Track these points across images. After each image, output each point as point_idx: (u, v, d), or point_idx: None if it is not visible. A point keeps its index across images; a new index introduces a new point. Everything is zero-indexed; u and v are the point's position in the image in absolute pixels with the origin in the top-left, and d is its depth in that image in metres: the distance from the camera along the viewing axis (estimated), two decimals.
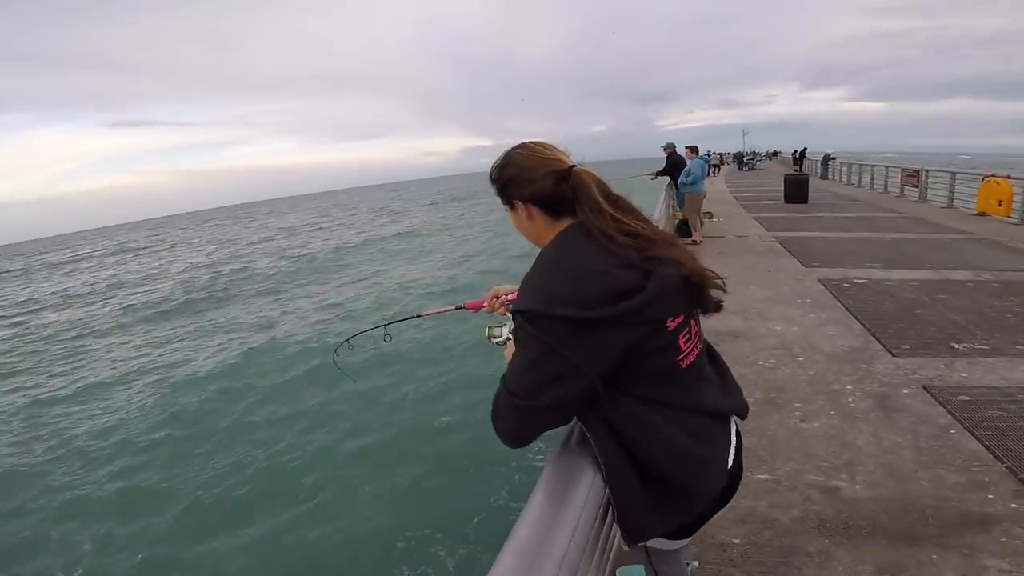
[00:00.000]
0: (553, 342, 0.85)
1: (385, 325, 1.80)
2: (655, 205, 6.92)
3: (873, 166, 17.22)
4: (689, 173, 8.07)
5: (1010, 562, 1.79)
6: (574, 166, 1.04)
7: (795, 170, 28.88)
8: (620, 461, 0.93)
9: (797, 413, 2.88)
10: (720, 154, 34.23)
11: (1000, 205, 9.46)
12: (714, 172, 30.76)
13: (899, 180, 14.13)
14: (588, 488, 0.89)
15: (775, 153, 53.19)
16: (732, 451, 1.07)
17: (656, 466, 0.93)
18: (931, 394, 3.05)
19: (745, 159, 39.55)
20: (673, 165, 8.66)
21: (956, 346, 3.81)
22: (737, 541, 1.98)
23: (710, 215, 10.23)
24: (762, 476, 2.37)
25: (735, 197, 15.51)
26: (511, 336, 1.25)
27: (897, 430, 2.67)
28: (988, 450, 2.48)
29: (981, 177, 10.18)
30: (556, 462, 0.96)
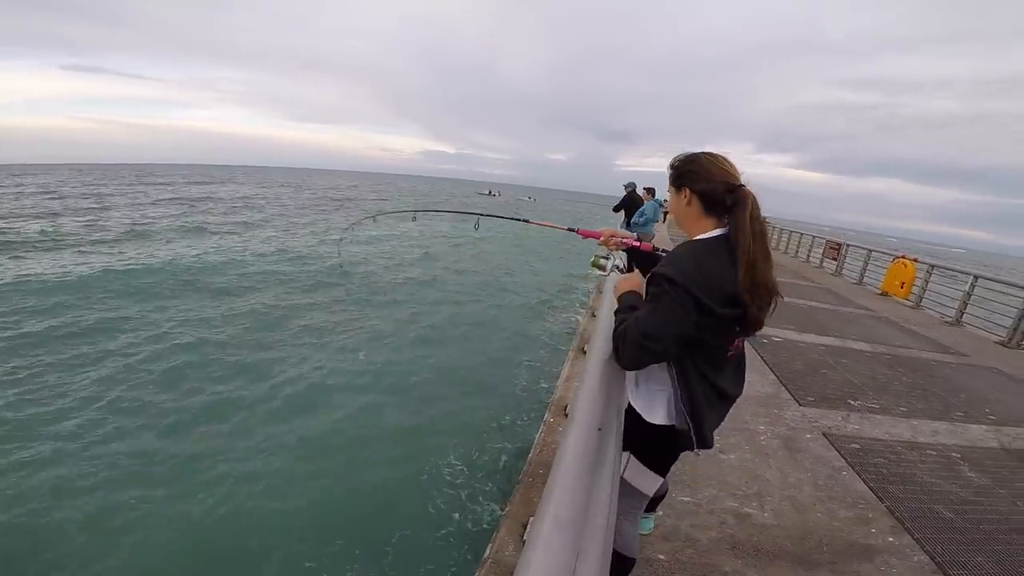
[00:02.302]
0: (688, 307, 1.32)
1: (505, 217, 2.77)
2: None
3: (801, 234, 19.11)
4: (643, 213, 8.77)
5: None
6: (743, 185, 1.42)
7: None
8: (687, 388, 1.46)
9: (716, 445, 3.31)
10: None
11: (902, 287, 10.87)
12: (663, 218, 32.83)
13: (822, 252, 15.80)
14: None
15: None
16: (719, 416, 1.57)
17: (699, 400, 1.46)
18: (829, 440, 3.61)
19: None
20: (630, 202, 9.38)
21: (852, 403, 4.49)
22: (662, 557, 2.30)
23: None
24: (685, 498, 2.73)
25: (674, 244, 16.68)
26: (617, 268, 2.01)
27: (800, 468, 3.16)
28: (872, 491, 3.01)
29: (892, 257, 11.61)
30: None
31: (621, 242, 1.98)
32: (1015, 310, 8.02)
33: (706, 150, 1.49)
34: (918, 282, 10.65)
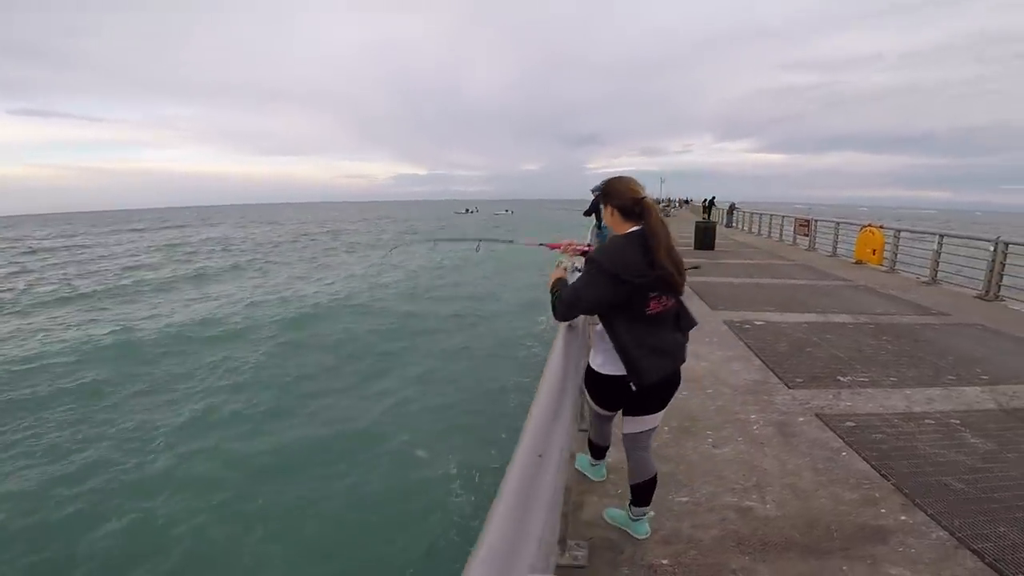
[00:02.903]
0: (601, 277, 1.88)
1: (479, 241, 3.62)
2: (582, 241, 7.46)
3: (771, 216, 19.38)
4: None
5: (911, 569, 2.10)
6: (644, 198, 1.99)
7: (704, 218, 31.73)
8: (616, 340, 1.98)
9: (709, 440, 3.19)
10: None
11: (874, 254, 11.03)
12: None
13: (792, 230, 16.01)
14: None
15: (687, 201, 57.94)
16: (663, 367, 2.01)
17: (628, 346, 1.95)
18: (823, 421, 3.50)
19: (661, 206, 42.53)
20: (598, 207, 9.32)
21: (841, 379, 4.41)
22: (665, 562, 2.15)
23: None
24: (682, 499, 2.59)
25: None
26: (576, 269, 2.36)
27: (797, 453, 3.04)
28: (875, 469, 2.89)
29: (860, 227, 11.80)
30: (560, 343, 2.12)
31: (576, 249, 2.66)
32: (986, 263, 8.15)
33: (620, 175, 2.13)
34: (888, 247, 10.83)
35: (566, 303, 1.99)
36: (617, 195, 2.02)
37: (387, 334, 12.93)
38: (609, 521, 2.40)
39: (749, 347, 5.23)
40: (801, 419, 3.53)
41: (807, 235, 14.95)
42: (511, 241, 3.77)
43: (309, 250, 36.17)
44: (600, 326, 2.07)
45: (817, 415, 3.60)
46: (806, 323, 6.24)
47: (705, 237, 14.34)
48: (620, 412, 2.21)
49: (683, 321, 2.09)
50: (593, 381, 2.19)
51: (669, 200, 54.97)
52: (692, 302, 7.21)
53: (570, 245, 2.69)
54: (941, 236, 9.41)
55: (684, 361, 2.11)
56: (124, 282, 22.60)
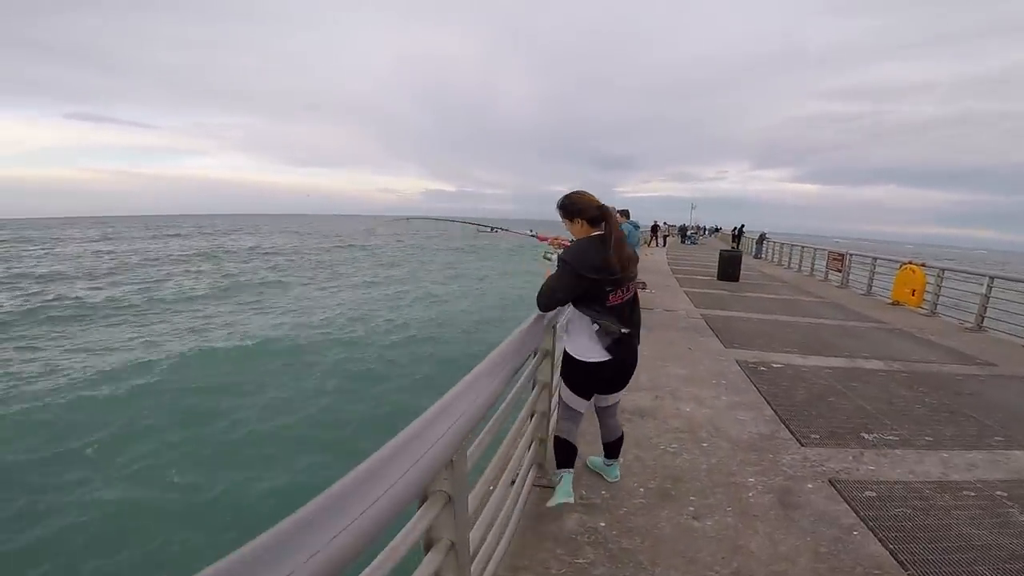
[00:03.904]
0: (571, 274, 2.29)
1: (477, 224, 5.09)
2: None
3: (803, 247, 18.59)
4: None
5: None
6: (603, 206, 2.43)
7: (732, 246, 30.86)
8: (575, 327, 2.50)
9: (691, 508, 2.71)
10: (663, 225, 35.89)
11: (913, 294, 10.29)
12: (661, 242, 32.32)
13: (825, 264, 15.25)
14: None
15: (717, 229, 56.71)
16: (606, 356, 2.44)
17: (579, 329, 2.47)
18: (837, 489, 2.99)
19: (688, 233, 41.71)
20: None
21: (866, 436, 3.86)
22: None
23: (643, 285, 10.48)
24: None
25: (672, 269, 16.18)
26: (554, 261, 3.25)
27: (796, 531, 2.54)
28: (892, 555, 2.39)
29: (899, 264, 11.08)
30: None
31: (562, 243, 3.25)
32: None
33: (577, 190, 2.50)
34: (930, 287, 10.10)
35: (545, 295, 2.36)
36: (586, 209, 2.42)
37: None
38: (590, 467, 3.09)
39: (761, 393, 4.71)
40: (810, 485, 3.02)
41: (840, 270, 14.20)
42: (498, 229, 4.20)
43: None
44: (576, 311, 2.46)
45: (831, 481, 3.09)
46: (831, 368, 5.66)
47: (729, 267, 13.66)
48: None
49: (635, 314, 2.55)
50: (572, 368, 2.53)
51: (698, 227, 53.89)
52: (703, 338, 6.69)
53: (556, 240, 3.43)
54: (991, 278, 8.69)
55: (638, 342, 2.58)
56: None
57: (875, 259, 12.51)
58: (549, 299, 2.35)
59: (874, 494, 2.96)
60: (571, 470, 2.66)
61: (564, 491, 2.60)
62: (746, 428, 3.89)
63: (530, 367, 2.56)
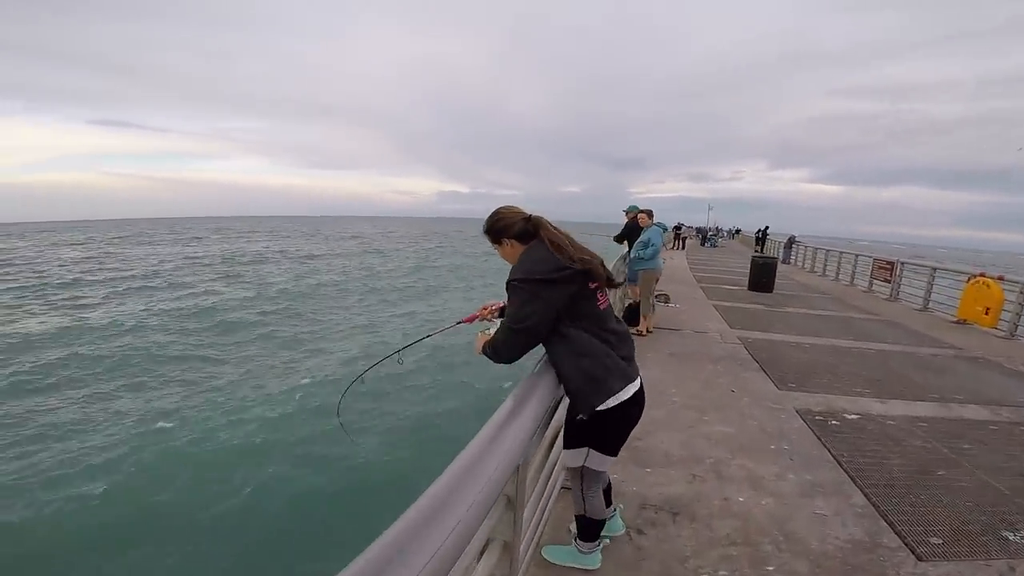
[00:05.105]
0: (533, 289, 1.78)
1: (399, 350, 2.51)
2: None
3: (841, 253, 17.02)
4: (648, 244, 6.73)
5: None
6: (530, 215, 1.96)
7: (756, 250, 29.21)
8: (568, 360, 1.84)
9: None
10: (681, 227, 34.41)
11: (987, 313, 8.84)
12: (680, 245, 30.75)
13: (869, 272, 13.76)
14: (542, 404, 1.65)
15: (737, 231, 54.93)
16: (637, 383, 1.95)
17: (588, 364, 1.83)
18: None
19: (708, 235, 40.38)
20: (631, 232, 7.45)
21: (1009, 536, 2.63)
22: None
23: (666, 298, 9.10)
24: None
25: (695, 277, 14.68)
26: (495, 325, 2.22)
27: None
28: None
29: (967, 277, 9.62)
30: (519, 386, 1.70)
31: (493, 309, 2.35)
32: None
33: (497, 208, 2.01)
34: (1009, 306, 8.64)
35: (506, 334, 1.82)
36: (509, 224, 1.96)
37: None
38: (552, 561, 2.26)
39: (841, 465, 3.40)
40: None
41: (889, 281, 12.70)
42: (427, 336, 2.73)
43: None
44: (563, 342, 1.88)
45: None
46: (923, 420, 4.32)
47: (762, 275, 12.18)
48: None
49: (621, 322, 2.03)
50: (601, 422, 1.91)
51: (717, 229, 52.30)
52: (747, 373, 5.35)
53: (485, 309, 2.39)
54: None
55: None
56: None
57: (934, 269, 11.02)
58: (514, 334, 1.80)
59: None
60: (604, 542, 2.32)
61: (594, 559, 2.25)
62: (831, 532, 2.63)
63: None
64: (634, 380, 1.93)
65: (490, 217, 2.02)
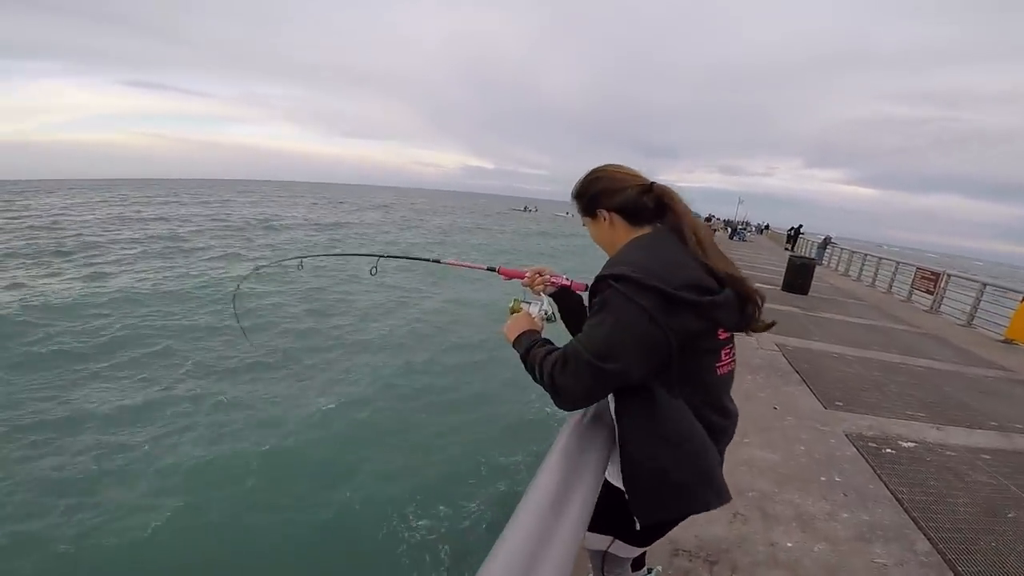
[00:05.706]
0: (643, 307, 1.04)
1: (409, 258, 2.25)
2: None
3: (880, 259, 16.35)
4: None
5: None
6: (654, 182, 1.27)
7: (786, 248, 28.42)
8: (647, 443, 1.14)
9: None
10: (712, 218, 33.77)
11: None
12: None
13: (910, 281, 13.16)
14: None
15: (766, 227, 53.89)
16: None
17: (676, 459, 1.14)
18: None
19: (738, 228, 39.76)
20: None
21: None
22: None
23: None
24: None
25: None
26: (544, 316, 1.49)
27: None
28: None
29: (1023, 297, 9.07)
30: (569, 437, 1.17)
31: (549, 281, 1.56)
32: None
33: (604, 164, 1.34)
34: None
35: (577, 366, 1.09)
36: (613, 188, 1.26)
37: None
38: None
39: (901, 502, 3.08)
40: None
41: (932, 292, 12.11)
42: (436, 260, 2.04)
43: None
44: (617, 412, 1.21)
45: None
46: (986, 451, 3.96)
47: (799, 277, 11.65)
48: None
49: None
50: (652, 526, 1.30)
51: (746, 223, 51.42)
52: (789, 387, 5.01)
53: (539, 275, 1.57)
54: None
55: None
56: None
57: (984, 284, 10.44)
58: (594, 374, 1.08)
59: None
60: None
61: None
62: None
63: None
64: (727, 499, 1.25)
65: (586, 177, 1.34)
